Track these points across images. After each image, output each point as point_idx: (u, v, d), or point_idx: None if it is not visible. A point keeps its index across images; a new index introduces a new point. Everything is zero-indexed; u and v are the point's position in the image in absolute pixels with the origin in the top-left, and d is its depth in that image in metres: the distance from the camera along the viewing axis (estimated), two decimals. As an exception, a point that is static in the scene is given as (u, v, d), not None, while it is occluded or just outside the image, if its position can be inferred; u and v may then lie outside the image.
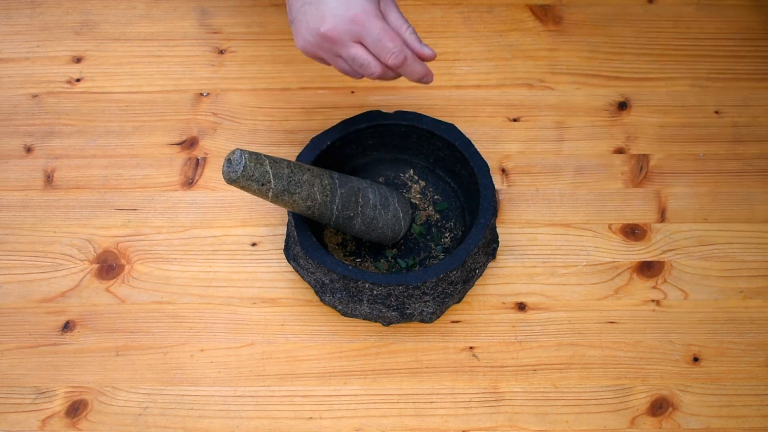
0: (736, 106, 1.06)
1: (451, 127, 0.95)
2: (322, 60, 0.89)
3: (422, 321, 0.92)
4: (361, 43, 0.85)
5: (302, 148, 0.94)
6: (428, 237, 0.97)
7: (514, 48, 1.10)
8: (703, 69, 1.09)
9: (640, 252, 0.97)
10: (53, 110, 1.06)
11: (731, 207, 1.00)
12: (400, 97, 1.07)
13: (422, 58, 0.87)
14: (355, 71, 0.88)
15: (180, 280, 0.96)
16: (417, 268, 0.95)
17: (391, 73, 0.88)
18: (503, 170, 1.02)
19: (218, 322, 0.94)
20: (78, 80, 1.08)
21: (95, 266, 0.97)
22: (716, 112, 1.06)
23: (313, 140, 0.94)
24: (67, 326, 0.94)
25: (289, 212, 0.92)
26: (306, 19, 0.85)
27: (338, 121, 0.96)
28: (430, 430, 0.89)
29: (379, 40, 0.84)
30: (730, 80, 1.08)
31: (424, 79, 0.88)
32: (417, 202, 0.99)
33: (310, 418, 0.89)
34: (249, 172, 0.79)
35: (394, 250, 0.97)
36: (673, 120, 1.06)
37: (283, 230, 0.98)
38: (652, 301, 0.95)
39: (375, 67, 0.86)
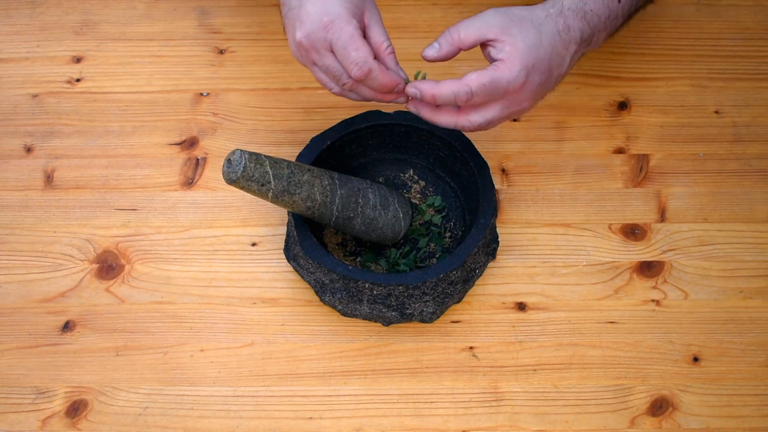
0: (736, 106, 1.06)
1: (451, 127, 0.95)
2: (306, 67, 0.85)
3: (422, 321, 0.92)
4: (332, 52, 0.81)
5: (302, 148, 0.94)
6: (428, 237, 0.97)
7: (514, 48, 1.10)
8: (703, 69, 1.09)
9: (640, 252, 0.97)
10: (53, 110, 1.06)
11: (731, 207, 1.00)
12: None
13: (389, 83, 0.81)
14: (330, 82, 0.84)
15: (180, 280, 0.96)
16: (417, 268, 0.95)
17: (366, 90, 0.82)
18: (503, 170, 1.02)
19: (218, 322, 0.94)
20: (78, 80, 1.08)
21: (95, 266, 0.97)
22: (716, 112, 1.06)
23: (313, 140, 0.94)
24: (67, 326, 0.94)
25: (289, 212, 0.92)
26: (291, 25, 0.82)
27: (338, 121, 0.96)
28: (430, 430, 0.89)
29: (344, 48, 0.79)
30: (730, 80, 1.08)
31: (397, 97, 0.83)
32: (417, 202, 0.99)
33: (310, 418, 0.89)
34: (249, 173, 0.79)
35: (394, 250, 0.97)
36: (672, 120, 1.05)
37: (283, 230, 0.98)
38: (652, 301, 0.95)
39: (345, 78, 0.81)
